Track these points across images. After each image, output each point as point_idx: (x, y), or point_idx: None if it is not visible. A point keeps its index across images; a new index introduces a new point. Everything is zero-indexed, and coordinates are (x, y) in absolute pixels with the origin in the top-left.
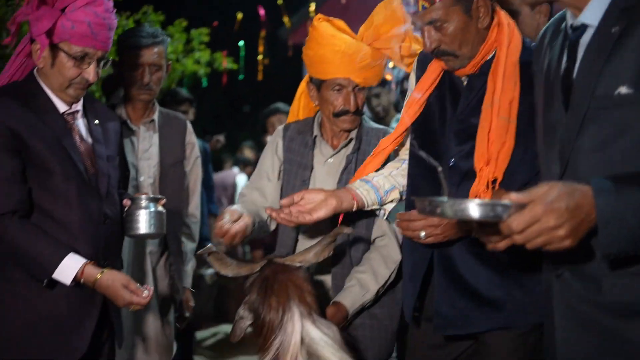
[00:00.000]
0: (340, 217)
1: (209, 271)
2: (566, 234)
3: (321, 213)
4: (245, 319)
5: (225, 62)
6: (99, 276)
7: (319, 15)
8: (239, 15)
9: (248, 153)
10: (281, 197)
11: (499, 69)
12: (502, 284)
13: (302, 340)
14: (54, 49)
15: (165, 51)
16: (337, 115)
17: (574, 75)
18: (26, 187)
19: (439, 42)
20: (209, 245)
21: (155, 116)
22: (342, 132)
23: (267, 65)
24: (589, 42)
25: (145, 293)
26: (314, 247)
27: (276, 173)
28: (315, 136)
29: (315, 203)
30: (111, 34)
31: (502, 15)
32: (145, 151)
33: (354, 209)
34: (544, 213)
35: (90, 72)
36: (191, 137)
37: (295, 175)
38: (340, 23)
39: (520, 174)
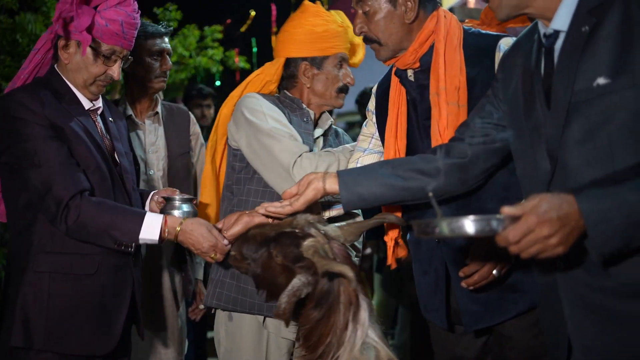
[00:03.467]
0: None
1: None
2: (558, 242)
3: (236, 229)
4: (302, 295)
5: (237, 60)
6: (178, 227)
7: (307, 2)
8: (252, 13)
9: None
10: None
11: (439, 59)
12: (519, 265)
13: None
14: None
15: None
16: (342, 90)
17: (554, 77)
18: (81, 169)
19: (365, 27)
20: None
21: (159, 109)
22: (323, 112)
23: None
24: (563, 45)
25: (226, 241)
26: (354, 227)
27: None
28: (308, 111)
29: (231, 223)
30: (136, 33)
31: (441, 10)
32: (153, 144)
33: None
34: (537, 224)
35: (115, 70)
36: (195, 128)
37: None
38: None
39: None
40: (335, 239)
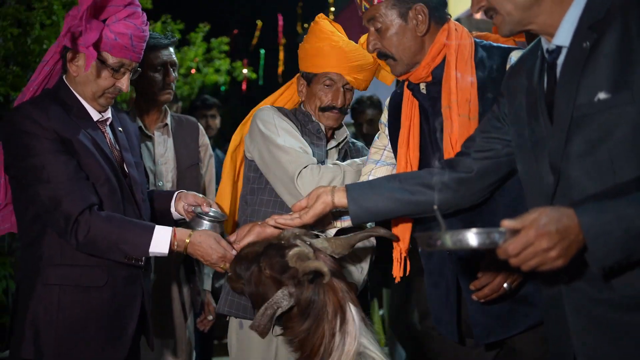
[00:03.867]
0: None
1: None
2: (558, 254)
3: (247, 239)
4: (282, 307)
5: (245, 71)
6: (188, 238)
7: (321, 15)
8: (259, 23)
9: None
10: None
11: (450, 71)
12: (529, 279)
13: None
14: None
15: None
16: (323, 109)
17: (556, 91)
18: (90, 182)
19: (378, 44)
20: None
21: (168, 120)
22: (340, 126)
23: (284, 72)
24: (564, 60)
25: (234, 252)
26: (343, 240)
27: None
28: (318, 123)
29: (243, 234)
30: (144, 45)
31: (451, 22)
32: (162, 156)
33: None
34: (536, 236)
35: (124, 83)
36: (204, 139)
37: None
38: (339, 27)
39: None
40: (322, 250)
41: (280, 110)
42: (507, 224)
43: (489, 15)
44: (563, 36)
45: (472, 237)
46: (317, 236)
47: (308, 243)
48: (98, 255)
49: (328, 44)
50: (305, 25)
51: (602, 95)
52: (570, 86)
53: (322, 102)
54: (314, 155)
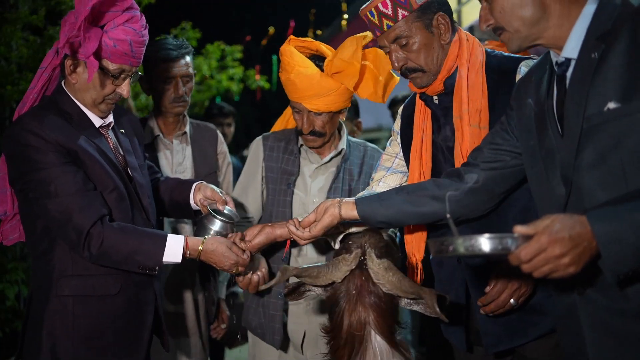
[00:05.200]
0: (287, 244)
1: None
2: (570, 262)
3: (258, 239)
4: (315, 293)
5: (258, 78)
6: (201, 246)
7: (290, 38)
8: (271, 30)
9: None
10: (267, 202)
11: (462, 82)
12: (539, 288)
13: None
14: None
15: (192, 60)
16: (298, 133)
17: (565, 103)
18: (99, 192)
19: (406, 60)
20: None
21: (187, 128)
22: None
23: None
24: (573, 71)
25: (245, 255)
26: (411, 285)
27: (258, 180)
28: (302, 145)
29: (254, 234)
30: (144, 49)
31: (462, 32)
32: (180, 164)
33: (291, 237)
34: (549, 243)
35: (124, 88)
36: (222, 147)
37: (280, 181)
38: (314, 46)
39: None
40: (372, 274)
41: (272, 134)
42: (519, 229)
43: (498, 33)
44: (571, 48)
45: (484, 243)
46: (389, 253)
47: (361, 258)
48: (111, 266)
49: (284, 76)
50: (319, 32)
51: (612, 105)
52: (579, 97)
53: (297, 126)
54: (279, 174)
